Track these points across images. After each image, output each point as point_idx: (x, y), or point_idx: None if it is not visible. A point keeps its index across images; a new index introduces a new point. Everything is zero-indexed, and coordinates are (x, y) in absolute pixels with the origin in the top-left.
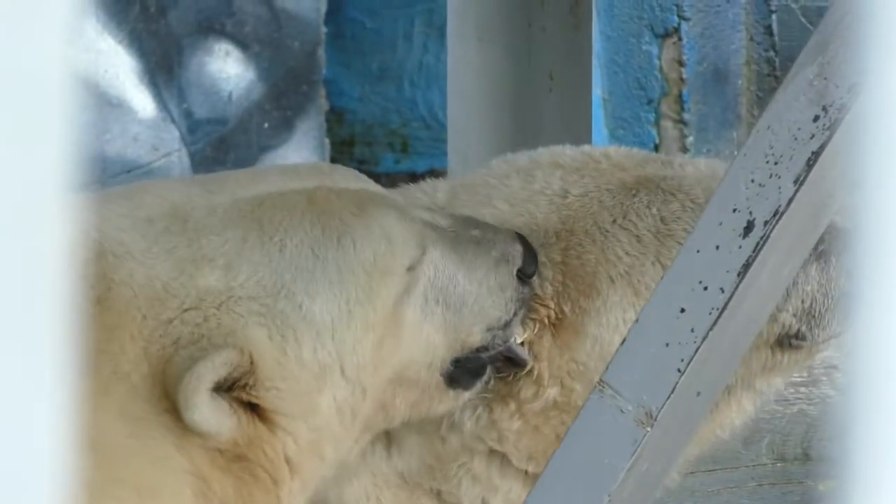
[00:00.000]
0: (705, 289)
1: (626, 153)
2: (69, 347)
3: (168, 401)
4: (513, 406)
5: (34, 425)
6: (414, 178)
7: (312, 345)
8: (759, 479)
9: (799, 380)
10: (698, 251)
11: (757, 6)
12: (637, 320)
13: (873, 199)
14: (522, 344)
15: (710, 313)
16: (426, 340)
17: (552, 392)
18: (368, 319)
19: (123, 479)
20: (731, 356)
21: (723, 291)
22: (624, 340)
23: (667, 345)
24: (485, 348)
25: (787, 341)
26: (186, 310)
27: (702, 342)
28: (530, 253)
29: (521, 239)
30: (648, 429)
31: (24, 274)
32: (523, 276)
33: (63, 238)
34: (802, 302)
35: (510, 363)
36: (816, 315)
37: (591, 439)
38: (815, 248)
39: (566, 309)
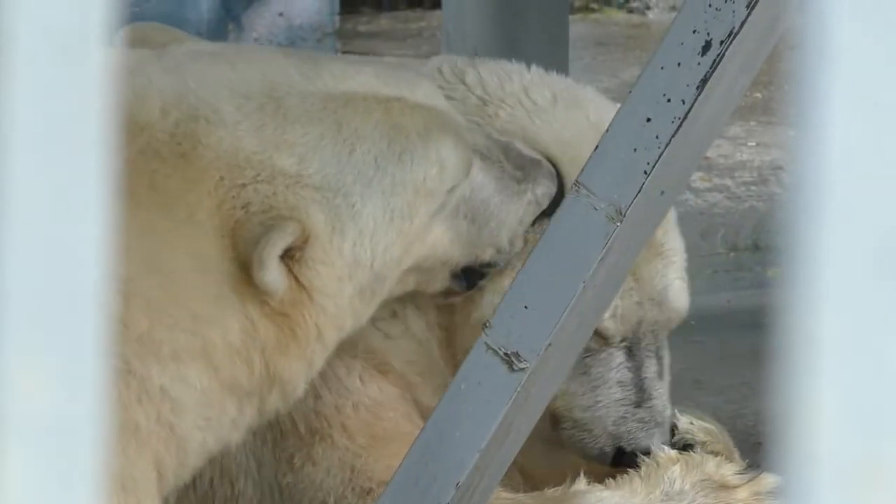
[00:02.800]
0: (668, 101)
1: None
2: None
3: (232, 252)
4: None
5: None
6: (413, 1)
7: (353, 241)
8: (715, 267)
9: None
10: (662, 67)
11: None
12: (608, 129)
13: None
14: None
15: (673, 122)
16: (447, 247)
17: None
18: (404, 229)
19: (182, 304)
20: (690, 160)
21: (683, 103)
22: (597, 147)
23: (634, 150)
24: (489, 265)
25: None
26: (260, 181)
27: (665, 147)
28: (559, 195)
29: (559, 181)
30: (618, 224)
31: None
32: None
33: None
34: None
35: None
36: None
37: (567, 234)
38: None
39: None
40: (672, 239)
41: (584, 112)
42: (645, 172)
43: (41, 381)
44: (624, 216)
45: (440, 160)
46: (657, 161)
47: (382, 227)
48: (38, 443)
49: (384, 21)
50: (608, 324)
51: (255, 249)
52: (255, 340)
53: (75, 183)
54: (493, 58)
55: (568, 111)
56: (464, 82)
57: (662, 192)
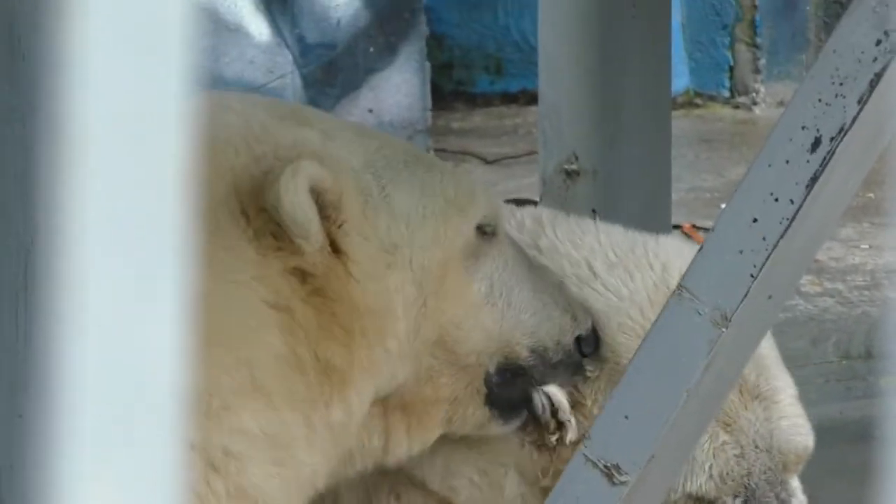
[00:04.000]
0: (776, 200)
1: None
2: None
3: (251, 229)
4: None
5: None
6: (507, 97)
7: (387, 222)
8: (826, 376)
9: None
10: (769, 165)
11: None
12: (713, 229)
13: None
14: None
15: (781, 223)
16: (480, 322)
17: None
18: (438, 236)
19: (213, 328)
20: (800, 263)
21: (792, 203)
22: (701, 248)
23: (741, 252)
24: (525, 372)
25: None
26: (281, 147)
27: (773, 249)
28: (596, 336)
29: (593, 321)
30: (724, 329)
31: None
32: (581, 348)
33: (183, 144)
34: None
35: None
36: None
37: (670, 340)
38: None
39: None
40: (770, 378)
41: (643, 275)
42: (752, 276)
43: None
44: (730, 321)
45: (471, 189)
46: (764, 264)
47: (416, 218)
48: None
49: (477, 118)
50: (707, 487)
51: (279, 184)
52: (297, 332)
53: (150, 288)
54: (592, 156)
55: (625, 274)
56: (538, 246)
57: (770, 297)
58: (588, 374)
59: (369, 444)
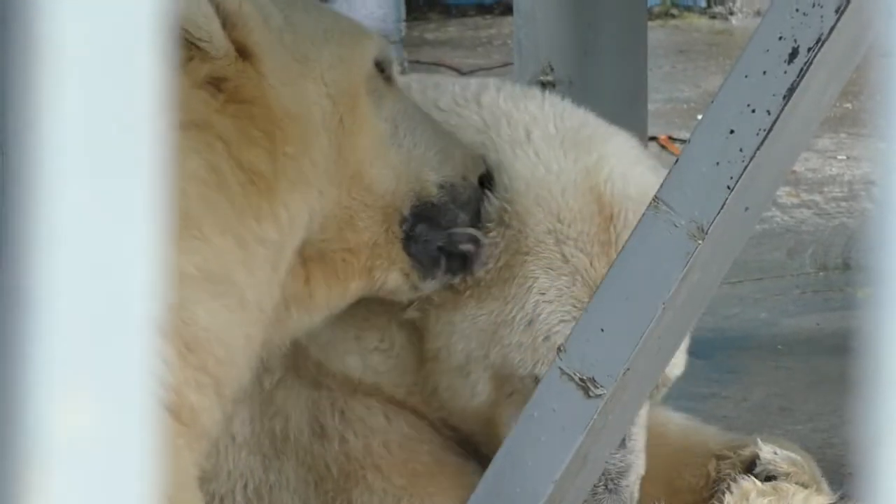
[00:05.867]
0: (753, 111)
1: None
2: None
3: None
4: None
5: None
6: (482, 8)
7: (293, 37)
8: (803, 287)
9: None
10: (746, 76)
11: None
12: (689, 141)
13: None
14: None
15: (758, 134)
16: (390, 161)
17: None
18: (343, 55)
19: None
20: (777, 174)
21: (769, 114)
22: (677, 159)
23: (717, 164)
24: (436, 208)
25: None
26: None
27: (749, 161)
28: (490, 176)
29: (487, 165)
30: (700, 242)
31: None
32: (484, 185)
33: (157, 60)
34: None
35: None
36: None
37: (646, 252)
38: None
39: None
40: None
41: (577, 157)
42: (728, 187)
43: (84, 401)
44: (706, 234)
45: (361, 24)
46: (741, 175)
47: (320, 39)
48: (82, 463)
49: (452, 28)
50: None
51: None
52: (216, 146)
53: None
54: (568, 66)
55: (558, 151)
56: (479, 102)
57: (747, 209)
58: (491, 240)
59: (295, 290)
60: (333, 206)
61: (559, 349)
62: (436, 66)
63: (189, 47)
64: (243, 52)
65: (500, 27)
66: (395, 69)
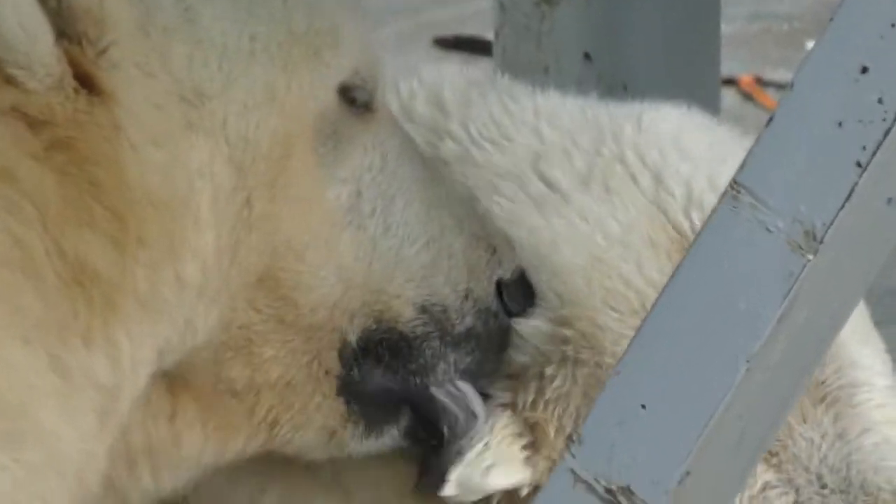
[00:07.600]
0: None
1: None
2: None
3: None
4: None
5: None
6: None
7: (188, 51)
8: None
9: None
10: None
11: None
12: (791, 86)
13: None
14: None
15: None
16: (337, 254)
17: None
18: (274, 89)
19: None
20: None
21: None
22: (770, 120)
23: (839, 124)
24: (405, 342)
25: None
26: None
27: (895, 119)
28: (526, 285)
29: (523, 270)
30: (810, 256)
31: None
32: (506, 302)
33: None
34: None
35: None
36: None
37: (718, 273)
38: None
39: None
40: (844, 365)
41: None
42: (858, 164)
43: None
44: (821, 242)
45: (334, 13)
46: (880, 144)
47: (238, 55)
48: None
49: None
50: None
51: None
52: (23, 210)
53: None
54: None
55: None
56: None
57: (890, 200)
58: (553, 392)
59: (156, 434)
60: (218, 327)
61: (569, 439)
62: None
63: None
64: (90, 85)
65: None
66: (382, 90)
